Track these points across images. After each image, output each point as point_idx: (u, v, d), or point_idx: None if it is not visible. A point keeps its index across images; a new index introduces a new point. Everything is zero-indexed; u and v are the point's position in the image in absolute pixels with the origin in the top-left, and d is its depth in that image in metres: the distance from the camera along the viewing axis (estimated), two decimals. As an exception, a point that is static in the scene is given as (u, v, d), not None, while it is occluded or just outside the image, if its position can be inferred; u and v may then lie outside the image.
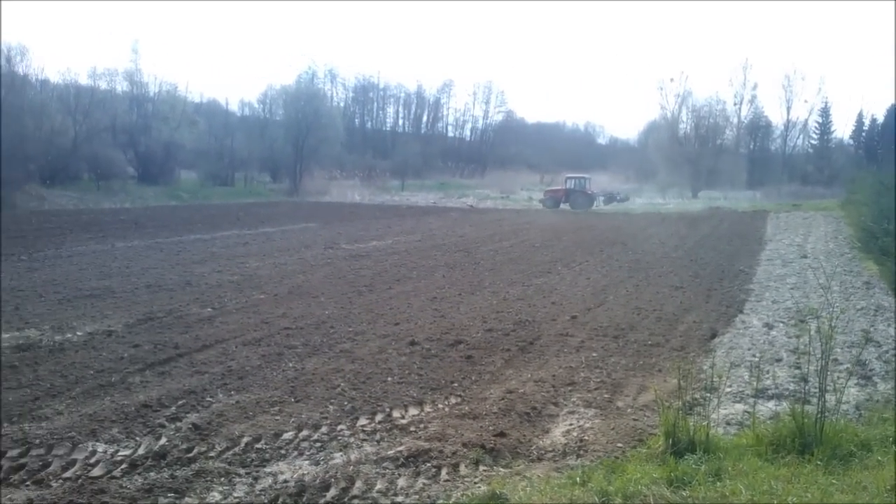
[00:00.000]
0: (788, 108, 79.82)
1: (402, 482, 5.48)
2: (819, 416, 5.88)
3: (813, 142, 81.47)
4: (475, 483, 5.49)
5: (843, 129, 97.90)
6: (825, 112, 78.37)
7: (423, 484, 5.47)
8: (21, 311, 11.33)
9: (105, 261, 17.53)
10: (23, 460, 5.75)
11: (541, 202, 49.57)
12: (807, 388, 7.04)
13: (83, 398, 7.27)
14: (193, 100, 66.60)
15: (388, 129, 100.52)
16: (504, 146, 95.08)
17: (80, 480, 5.41)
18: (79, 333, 10.01)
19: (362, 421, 6.85)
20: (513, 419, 6.89)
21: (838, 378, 7.46)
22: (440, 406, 7.34)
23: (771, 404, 7.46)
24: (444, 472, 5.68)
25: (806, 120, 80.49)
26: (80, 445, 6.05)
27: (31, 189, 38.77)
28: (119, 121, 52.20)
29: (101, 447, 6.04)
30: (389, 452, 6.01)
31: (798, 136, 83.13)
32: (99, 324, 10.63)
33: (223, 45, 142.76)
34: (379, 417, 6.96)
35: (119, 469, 5.63)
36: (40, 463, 5.72)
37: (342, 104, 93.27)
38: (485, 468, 5.79)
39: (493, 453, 6.06)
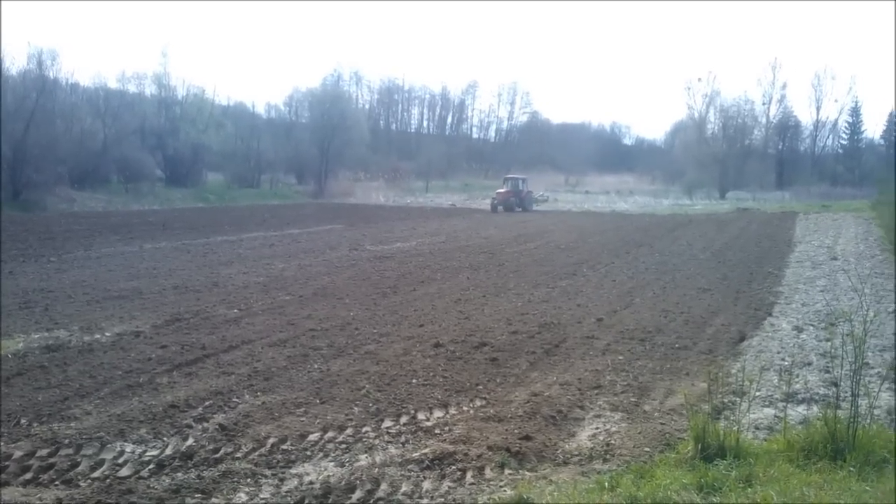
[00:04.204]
0: (818, 108, 78.93)
1: (427, 485, 5.46)
2: (851, 420, 5.76)
3: (843, 142, 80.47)
4: (501, 486, 5.45)
5: (873, 129, 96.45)
6: (855, 111, 77.40)
7: (449, 487, 5.44)
8: (51, 312, 11.49)
9: (133, 262, 17.73)
10: (52, 460, 5.80)
11: (497, 206, 44.41)
12: (838, 392, 6.92)
13: (111, 398, 7.34)
14: (221, 103, 67.43)
15: (412, 130, 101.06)
16: (529, 147, 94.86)
17: (108, 480, 5.45)
18: (107, 334, 10.12)
19: (387, 423, 6.83)
20: (538, 422, 6.83)
21: (870, 382, 7.32)
22: (465, 409, 7.30)
23: (801, 409, 7.34)
24: (469, 475, 5.64)
25: (836, 120, 79.59)
26: (109, 445, 6.10)
27: (61, 191, 39.39)
28: (147, 124, 52.83)
29: (129, 447, 6.09)
30: (414, 455, 5.99)
31: (828, 136, 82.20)
32: (127, 325, 10.73)
33: (250, 48, 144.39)
34: (404, 419, 6.95)
35: (147, 469, 5.67)
36: (69, 463, 5.77)
37: (367, 106, 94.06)
38: (510, 472, 5.75)
39: (518, 457, 6.01)
